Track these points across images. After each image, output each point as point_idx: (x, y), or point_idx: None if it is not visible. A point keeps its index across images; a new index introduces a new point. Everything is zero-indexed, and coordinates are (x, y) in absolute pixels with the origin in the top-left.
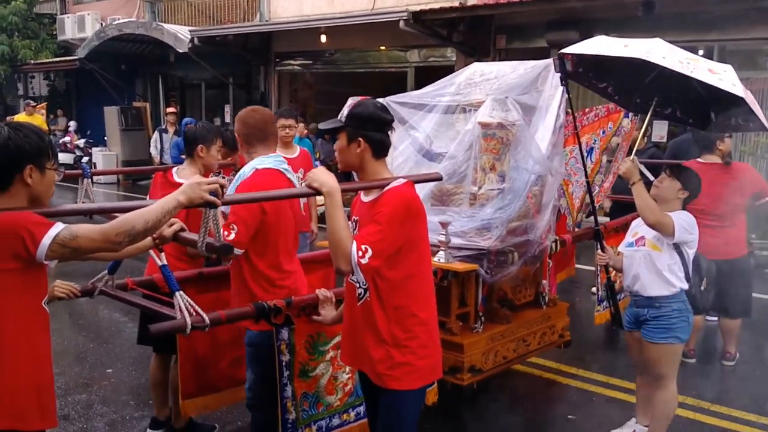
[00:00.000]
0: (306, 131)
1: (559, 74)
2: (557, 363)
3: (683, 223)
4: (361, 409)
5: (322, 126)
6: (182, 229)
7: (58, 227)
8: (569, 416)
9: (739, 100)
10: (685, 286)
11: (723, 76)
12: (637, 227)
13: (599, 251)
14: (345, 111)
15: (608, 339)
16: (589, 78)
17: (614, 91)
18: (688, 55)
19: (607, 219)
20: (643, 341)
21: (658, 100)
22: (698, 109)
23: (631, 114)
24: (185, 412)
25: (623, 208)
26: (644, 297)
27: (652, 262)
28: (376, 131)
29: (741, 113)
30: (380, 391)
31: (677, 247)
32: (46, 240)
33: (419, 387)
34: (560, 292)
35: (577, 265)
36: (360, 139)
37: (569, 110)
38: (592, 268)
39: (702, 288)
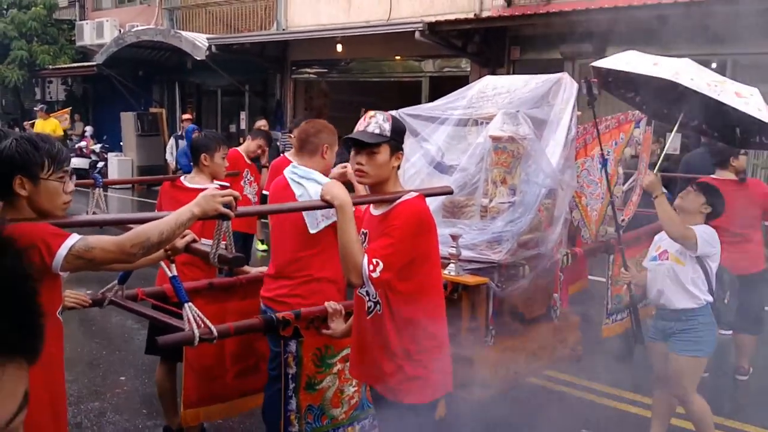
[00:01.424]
0: None
1: (586, 96)
2: (569, 376)
3: (705, 236)
4: (366, 422)
5: (362, 138)
6: (194, 240)
7: (73, 238)
8: (583, 430)
9: (765, 126)
10: (710, 298)
11: (749, 100)
12: (660, 241)
13: (623, 269)
14: (385, 125)
15: (621, 352)
16: (618, 87)
17: (642, 102)
18: (715, 77)
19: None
20: (668, 354)
21: (685, 113)
22: (724, 124)
23: (642, 124)
24: (186, 421)
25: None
26: (670, 310)
27: (675, 275)
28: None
29: (765, 132)
30: (391, 405)
31: (700, 261)
32: (62, 251)
33: (430, 400)
34: (573, 305)
35: (590, 277)
36: (401, 152)
37: (595, 118)
38: (603, 280)
39: (725, 301)
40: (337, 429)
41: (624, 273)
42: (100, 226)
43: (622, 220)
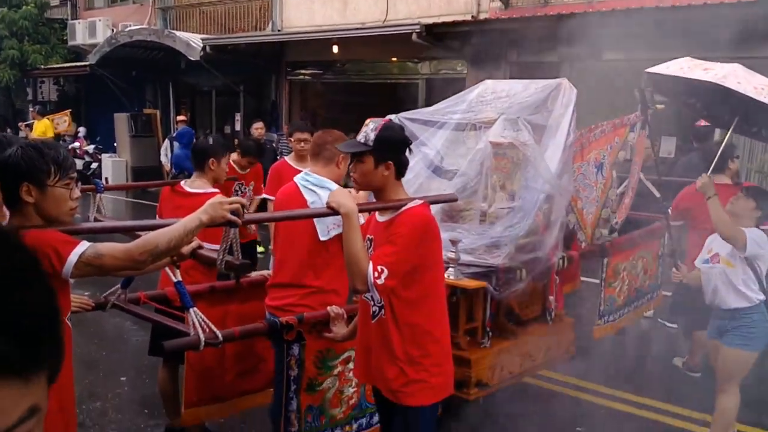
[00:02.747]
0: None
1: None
2: (564, 375)
3: (756, 237)
4: (364, 421)
5: (344, 149)
6: (200, 247)
7: (83, 246)
8: (578, 428)
9: None
10: (762, 297)
11: None
12: (712, 243)
13: (674, 269)
14: (371, 134)
15: (615, 352)
16: (678, 94)
17: (702, 107)
18: (764, 80)
19: (615, 235)
20: (721, 347)
21: (741, 119)
22: None
23: (637, 128)
24: (185, 421)
25: (633, 225)
26: (724, 310)
27: (727, 278)
28: (402, 153)
29: None
30: (394, 407)
31: (749, 262)
32: (73, 258)
33: (433, 403)
34: (566, 306)
35: (583, 278)
36: (390, 162)
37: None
38: (597, 282)
39: None
40: (335, 428)
41: (675, 273)
42: (107, 233)
43: (615, 223)
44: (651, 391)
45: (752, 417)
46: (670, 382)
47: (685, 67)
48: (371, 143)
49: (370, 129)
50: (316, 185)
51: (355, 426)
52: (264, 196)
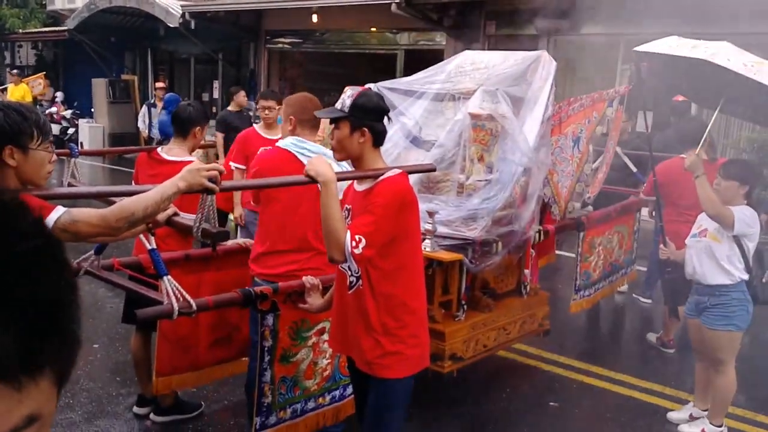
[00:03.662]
0: None
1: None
2: (538, 349)
3: (744, 217)
4: (337, 393)
5: (320, 114)
6: (175, 214)
7: (58, 211)
8: (551, 402)
9: None
10: (745, 276)
11: None
12: (702, 220)
13: (661, 245)
14: (347, 101)
15: (589, 327)
16: (664, 74)
17: (688, 87)
18: (753, 58)
19: (591, 209)
20: (703, 328)
21: (727, 98)
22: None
23: (615, 103)
24: (158, 389)
25: (607, 199)
26: (705, 285)
27: (711, 252)
28: (378, 121)
29: None
30: (369, 379)
31: (737, 239)
32: (48, 223)
33: (408, 375)
34: (541, 280)
35: (558, 252)
36: (365, 129)
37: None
38: (573, 256)
39: (764, 280)
40: (309, 399)
41: (662, 249)
42: (82, 198)
43: (588, 197)
44: (624, 366)
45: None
46: (644, 357)
47: (674, 45)
48: (347, 109)
49: (347, 96)
50: (314, 153)
51: (328, 398)
52: (232, 163)
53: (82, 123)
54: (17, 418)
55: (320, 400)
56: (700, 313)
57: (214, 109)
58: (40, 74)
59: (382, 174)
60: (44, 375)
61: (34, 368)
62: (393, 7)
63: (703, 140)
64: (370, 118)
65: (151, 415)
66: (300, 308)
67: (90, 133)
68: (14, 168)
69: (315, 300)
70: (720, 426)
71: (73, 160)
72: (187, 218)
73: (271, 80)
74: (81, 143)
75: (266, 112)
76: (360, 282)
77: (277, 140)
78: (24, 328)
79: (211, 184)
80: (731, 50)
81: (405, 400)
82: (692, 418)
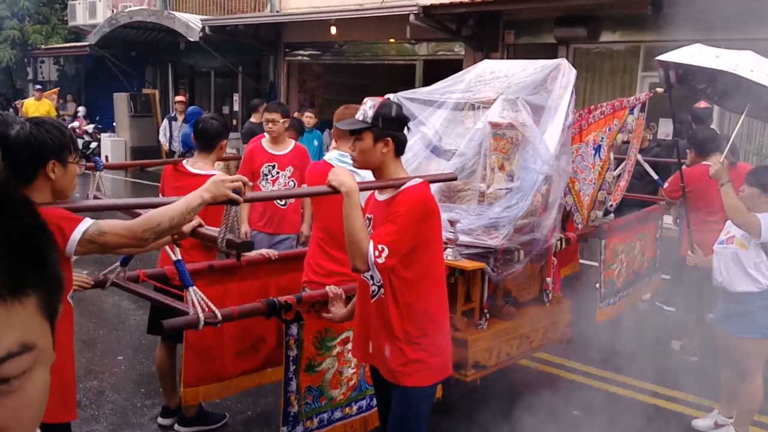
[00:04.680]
0: (316, 121)
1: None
2: (560, 358)
3: None
4: (364, 403)
5: (342, 126)
6: (200, 225)
7: (86, 223)
8: (574, 411)
9: None
10: None
11: None
12: (730, 226)
13: (689, 252)
14: (369, 111)
15: (612, 335)
16: (688, 80)
17: (713, 93)
18: None
19: (612, 216)
20: (730, 336)
21: (752, 104)
22: None
23: (636, 110)
24: (185, 400)
25: (627, 207)
26: (731, 293)
27: (738, 259)
28: (400, 131)
29: None
30: (392, 387)
31: (765, 247)
32: (76, 235)
33: (431, 384)
34: (563, 288)
35: (582, 261)
36: (388, 138)
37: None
38: (595, 264)
39: None
40: (336, 409)
41: (690, 255)
42: (109, 210)
43: (611, 205)
44: (648, 374)
45: None
46: (668, 365)
47: (696, 55)
48: (369, 120)
49: (368, 107)
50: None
51: (355, 408)
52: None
53: (104, 137)
54: (10, 341)
55: (347, 410)
56: (726, 321)
57: (234, 122)
58: (54, 90)
59: (404, 183)
60: (29, 298)
61: (17, 287)
62: (411, 18)
63: (728, 147)
64: (393, 127)
65: (176, 426)
66: (323, 318)
67: (112, 147)
68: (53, 181)
69: (338, 309)
70: None
71: (98, 173)
72: (211, 230)
73: (290, 92)
74: (106, 157)
75: (270, 125)
76: (382, 291)
77: (281, 156)
78: (3, 246)
79: (235, 195)
80: (754, 60)
81: (428, 409)
82: (717, 426)
